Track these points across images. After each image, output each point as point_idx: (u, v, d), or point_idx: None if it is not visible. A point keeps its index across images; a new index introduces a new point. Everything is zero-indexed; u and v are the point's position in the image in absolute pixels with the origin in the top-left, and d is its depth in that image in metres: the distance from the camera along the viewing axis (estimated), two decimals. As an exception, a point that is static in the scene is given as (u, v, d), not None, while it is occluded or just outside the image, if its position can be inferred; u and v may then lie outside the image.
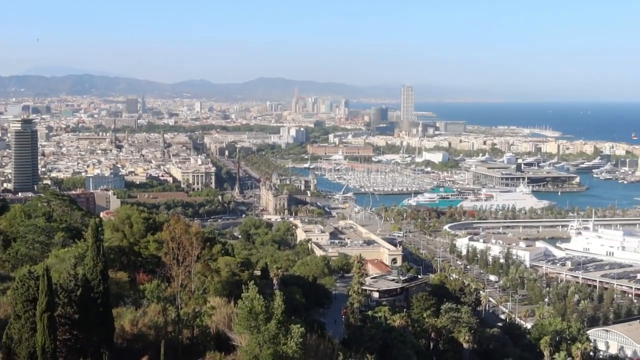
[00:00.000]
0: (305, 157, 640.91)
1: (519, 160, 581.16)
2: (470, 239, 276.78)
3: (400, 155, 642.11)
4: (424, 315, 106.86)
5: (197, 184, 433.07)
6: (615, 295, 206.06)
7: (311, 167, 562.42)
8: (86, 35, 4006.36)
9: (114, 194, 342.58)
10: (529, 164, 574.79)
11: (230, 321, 45.10)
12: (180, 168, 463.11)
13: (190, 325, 45.16)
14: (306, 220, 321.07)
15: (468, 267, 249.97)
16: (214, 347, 43.25)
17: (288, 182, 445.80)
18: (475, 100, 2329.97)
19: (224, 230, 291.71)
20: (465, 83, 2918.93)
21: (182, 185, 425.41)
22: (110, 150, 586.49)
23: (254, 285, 42.45)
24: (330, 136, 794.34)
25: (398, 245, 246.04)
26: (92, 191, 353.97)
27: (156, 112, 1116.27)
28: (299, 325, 41.69)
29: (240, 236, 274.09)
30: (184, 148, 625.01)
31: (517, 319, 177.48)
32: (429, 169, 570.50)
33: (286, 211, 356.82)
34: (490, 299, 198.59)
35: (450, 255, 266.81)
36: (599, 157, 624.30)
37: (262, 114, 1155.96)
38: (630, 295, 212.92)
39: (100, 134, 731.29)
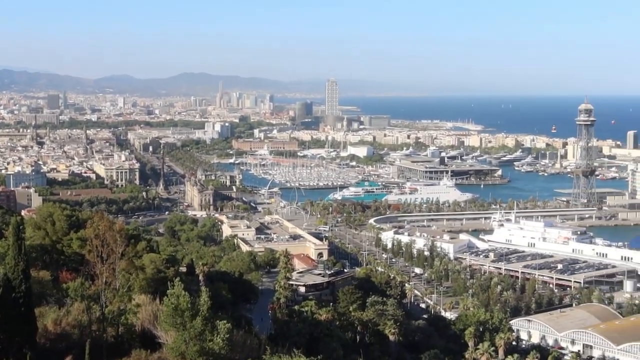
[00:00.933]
0: (231, 152, 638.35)
1: (443, 154, 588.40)
2: (396, 232, 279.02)
3: (325, 150, 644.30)
4: (350, 308, 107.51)
5: (121, 180, 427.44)
6: (536, 286, 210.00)
7: (236, 162, 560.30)
8: (4, 30, 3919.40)
9: (35, 192, 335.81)
10: (453, 158, 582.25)
11: (155, 319, 44.79)
12: (103, 164, 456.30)
13: (115, 324, 44.76)
14: (232, 215, 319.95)
15: (393, 260, 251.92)
16: (139, 345, 42.89)
17: (213, 177, 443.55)
18: (399, 94, 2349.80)
19: (148, 227, 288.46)
20: (388, 77, 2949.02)
21: (106, 182, 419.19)
22: (31, 147, 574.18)
23: (179, 282, 42.30)
24: (256, 131, 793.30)
25: (324, 239, 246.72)
26: (12, 189, 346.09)
27: (78, 108, 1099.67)
28: (225, 321, 41.68)
29: (165, 233, 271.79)
30: (107, 144, 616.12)
31: (442, 311, 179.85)
32: (354, 163, 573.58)
33: (212, 207, 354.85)
34: (416, 291, 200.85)
35: (375, 248, 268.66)
36: (520, 150, 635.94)
37: (186, 109, 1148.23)
38: (551, 285, 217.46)
39: (21, 130, 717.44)
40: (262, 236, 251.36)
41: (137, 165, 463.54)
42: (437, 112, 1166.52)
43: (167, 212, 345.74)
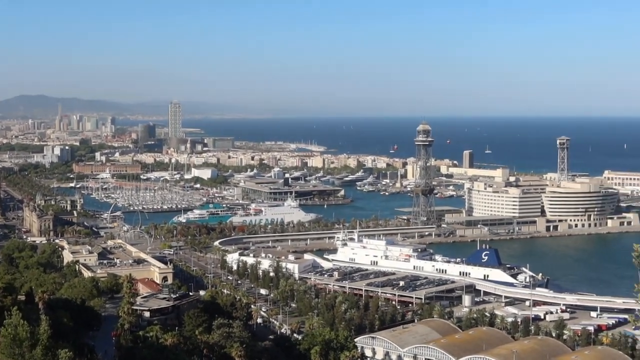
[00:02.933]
0: (71, 176, 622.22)
1: (287, 175, 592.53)
2: (241, 254, 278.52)
3: (169, 172, 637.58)
4: (196, 332, 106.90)
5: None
6: (380, 303, 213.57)
7: (77, 186, 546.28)
8: None
9: None
10: (296, 178, 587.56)
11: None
12: None
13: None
14: (73, 241, 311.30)
15: (239, 281, 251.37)
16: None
17: (53, 202, 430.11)
18: (243, 116, 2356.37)
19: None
20: (231, 99, 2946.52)
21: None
22: None
23: (17, 311, 41.16)
24: (97, 154, 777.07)
25: (169, 263, 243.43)
26: None
27: None
28: (66, 350, 40.87)
29: (2, 260, 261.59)
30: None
31: (288, 331, 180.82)
32: (198, 185, 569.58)
33: (52, 232, 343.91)
34: (262, 312, 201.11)
35: (221, 270, 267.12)
36: (362, 170, 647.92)
37: (24, 133, 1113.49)
38: (393, 302, 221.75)
39: None
40: (105, 261, 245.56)
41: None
42: (280, 133, 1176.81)
43: (4, 239, 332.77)
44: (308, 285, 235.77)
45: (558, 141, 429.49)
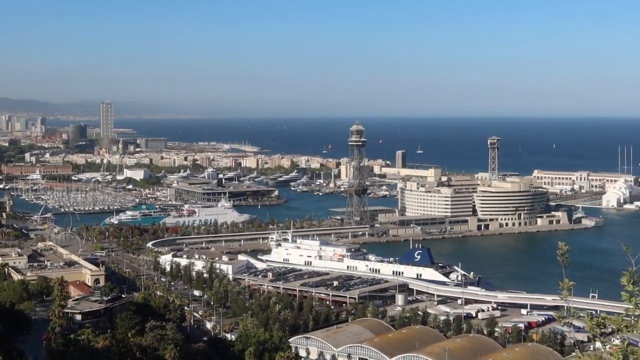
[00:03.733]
0: (0, 177, 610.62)
1: (220, 176, 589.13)
2: (174, 255, 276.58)
3: (100, 173, 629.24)
4: (129, 334, 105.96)
5: None
6: (314, 303, 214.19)
7: (6, 187, 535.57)
8: None
9: None
10: (230, 179, 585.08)
11: None
12: None
13: None
14: (2, 243, 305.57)
15: (172, 283, 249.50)
16: None
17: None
18: (176, 116, 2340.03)
19: None
20: (164, 99, 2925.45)
21: None
22: None
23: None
24: (27, 155, 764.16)
25: (100, 265, 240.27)
26: None
27: None
28: (-5, 355, 40.26)
29: None
30: None
31: (222, 332, 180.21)
32: (130, 186, 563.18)
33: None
34: (195, 314, 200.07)
35: (154, 272, 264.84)
36: (295, 171, 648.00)
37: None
38: (327, 302, 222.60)
39: None
40: (35, 264, 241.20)
41: None
42: (214, 134, 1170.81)
43: None
44: (242, 286, 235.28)
45: (489, 141, 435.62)
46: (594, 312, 14.60)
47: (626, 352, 11.68)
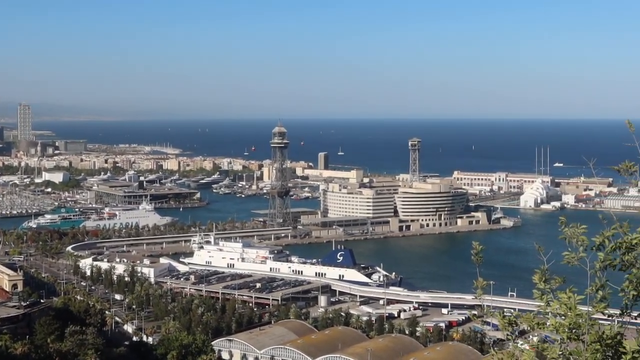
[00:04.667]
0: None
1: (141, 178, 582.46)
2: (95, 259, 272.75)
3: (18, 176, 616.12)
4: (48, 340, 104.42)
5: None
6: (237, 305, 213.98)
7: None
8: None
9: None
10: (152, 181, 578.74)
11: None
12: None
13: None
14: None
15: (93, 287, 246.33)
16: None
17: None
18: (96, 118, 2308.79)
19: None
20: (84, 101, 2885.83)
21: None
22: None
23: None
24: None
25: (18, 270, 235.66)
26: None
27: None
28: None
29: None
30: None
31: (145, 336, 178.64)
32: (49, 189, 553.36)
33: None
34: (117, 318, 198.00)
35: (74, 276, 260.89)
36: (218, 173, 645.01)
37: None
38: (250, 304, 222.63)
39: None
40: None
41: None
42: (135, 136, 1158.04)
43: None
44: (164, 290, 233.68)
45: (410, 143, 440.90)
46: (509, 310, 15.16)
47: (538, 349, 12.19)
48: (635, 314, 11.52)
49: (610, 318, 11.42)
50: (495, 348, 13.16)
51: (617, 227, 11.49)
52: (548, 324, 11.54)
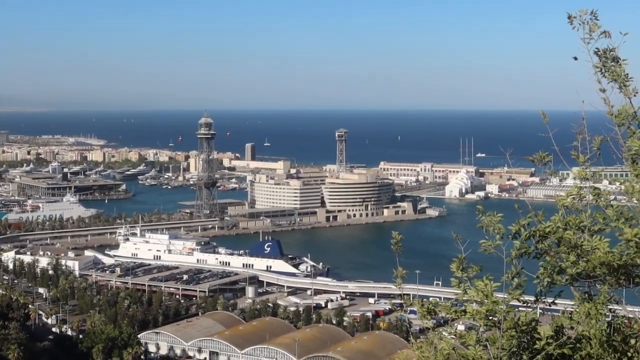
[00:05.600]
0: None
1: (65, 170, 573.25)
2: (17, 252, 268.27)
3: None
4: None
5: None
6: (163, 298, 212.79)
7: None
8: None
9: None
10: (76, 173, 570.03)
11: None
12: None
13: None
14: None
15: (16, 281, 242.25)
16: None
17: None
18: (18, 109, 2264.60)
19: None
20: (5, 91, 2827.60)
21: None
22: None
23: None
24: None
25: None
26: None
27: None
28: None
29: None
30: None
31: (69, 330, 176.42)
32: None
33: None
34: (40, 312, 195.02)
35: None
36: (143, 164, 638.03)
37: None
38: (177, 296, 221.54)
39: None
40: None
41: None
42: (58, 127, 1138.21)
43: None
44: (89, 283, 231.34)
45: (337, 133, 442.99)
46: (434, 299, 15.45)
47: (457, 336, 12.46)
48: (549, 300, 11.83)
49: (525, 305, 11.72)
50: (417, 337, 13.38)
51: (532, 216, 11.77)
52: (466, 311, 11.80)
